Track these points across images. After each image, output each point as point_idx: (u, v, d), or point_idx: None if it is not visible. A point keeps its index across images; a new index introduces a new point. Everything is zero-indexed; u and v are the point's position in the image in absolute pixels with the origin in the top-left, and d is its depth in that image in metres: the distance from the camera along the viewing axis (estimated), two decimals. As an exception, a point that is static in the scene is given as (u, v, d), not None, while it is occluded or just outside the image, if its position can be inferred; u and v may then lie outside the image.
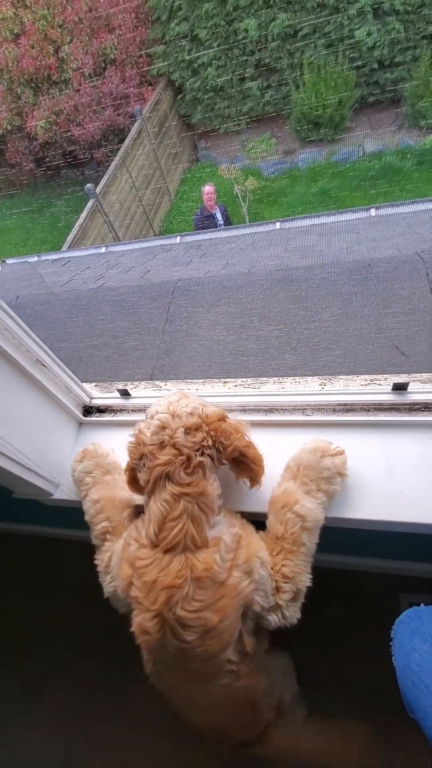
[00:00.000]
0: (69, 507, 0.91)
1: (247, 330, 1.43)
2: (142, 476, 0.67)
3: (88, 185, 5.33)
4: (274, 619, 0.68)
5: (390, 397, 0.76)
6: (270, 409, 0.82)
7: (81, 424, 0.93)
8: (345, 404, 0.77)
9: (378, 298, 1.42)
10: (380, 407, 0.76)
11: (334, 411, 0.78)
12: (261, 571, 0.66)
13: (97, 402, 0.93)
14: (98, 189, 5.57)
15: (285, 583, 0.67)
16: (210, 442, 0.65)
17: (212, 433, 0.66)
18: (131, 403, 0.91)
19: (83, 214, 5.41)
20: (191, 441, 0.64)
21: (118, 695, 1.19)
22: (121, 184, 6.05)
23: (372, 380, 0.81)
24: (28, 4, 6.74)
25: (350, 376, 0.84)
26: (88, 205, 5.51)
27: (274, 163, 7.04)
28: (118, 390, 0.92)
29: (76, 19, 6.65)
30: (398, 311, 1.37)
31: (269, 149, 7.03)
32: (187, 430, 0.64)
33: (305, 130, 7.05)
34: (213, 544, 0.64)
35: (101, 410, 0.93)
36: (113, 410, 0.92)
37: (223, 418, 0.68)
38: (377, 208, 2.73)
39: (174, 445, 0.64)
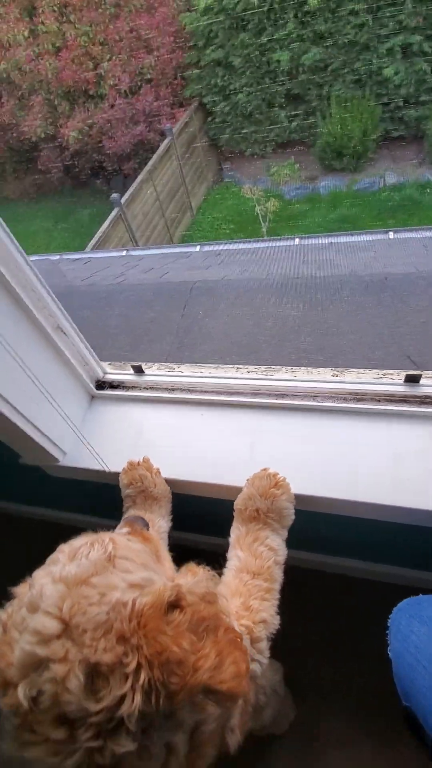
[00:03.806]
0: (72, 480, 0.92)
1: (261, 329, 1.45)
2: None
3: (114, 194, 5.49)
4: (258, 668, 0.59)
5: (401, 389, 0.76)
6: (281, 394, 0.82)
7: (93, 397, 0.94)
8: (356, 393, 0.78)
9: (392, 309, 1.44)
10: (391, 398, 0.76)
11: (345, 399, 0.78)
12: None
13: (110, 377, 0.94)
14: (123, 199, 5.73)
15: (263, 630, 0.58)
16: (143, 692, 0.33)
17: (148, 667, 0.34)
18: (144, 380, 0.92)
19: (106, 222, 5.55)
20: (99, 707, 0.32)
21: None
22: (146, 196, 6.22)
23: (384, 374, 0.82)
24: (72, 20, 7.08)
25: (362, 370, 0.84)
26: (112, 213, 5.66)
27: (295, 187, 7.21)
28: (132, 366, 0.93)
29: (117, 37, 6.97)
30: (411, 323, 1.38)
31: (292, 174, 7.23)
32: (95, 674, 0.33)
33: (329, 159, 7.24)
34: None
35: (114, 386, 0.94)
36: (126, 386, 0.93)
37: (175, 602, 0.38)
38: (395, 231, 2.77)
39: (63, 717, 0.32)
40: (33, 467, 0.91)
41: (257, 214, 6.33)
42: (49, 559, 0.40)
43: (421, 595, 0.62)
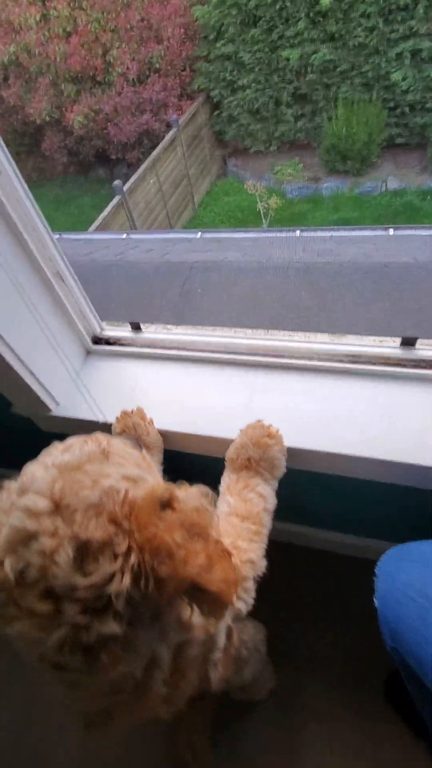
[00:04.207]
0: (64, 436, 0.91)
1: (259, 308, 1.46)
2: None
3: (117, 181, 5.46)
4: (243, 607, 0.60)
5: (397, 352, 0.77)
6: (278, 354, 0.83)
7: (89, 352, 0.93)
8: (353, 355, 0.79)
9: (389, 294, 1.45)
10: (387, 361, 0.77)
11: (341, 361, 0.79)
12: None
13: (107, 334, 0.94)
14: (126, 187, 5.71)
15: (250, 570, 0.59)
16: (132, 574, 0.33)
17: (139, 552, 0.34)
18: (142, 337, 0.92)
19: (108, 208, 5.53)
20: (88, 583, 0.32)
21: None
22: (149, 186, 6.20)
23: (381, 341, 0.82)
24: (84, 7, 7.03)
25: (360, 336, 0.85)
26: (114, 200, 5.63)
27: (298, 186, 7.23)
28: (131, 323, 0.93)
29: (128, 26, 6.93)
30: (407, 308, 1.39)
31: (296, 173, 7.24)
32: (84, 551, 0.33)
33: (333, 161, 7.27)
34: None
35: (110, 342, 0.94)
36: (123, 343, 0.93)
37: (167, 502, 0.38)
38: (396, 228, 2.79)
39: (50, 591, 0.32)
40: (23, 425, 0.90)
41: (259, 210, 6.34)
42: (41, 454, 0.40)
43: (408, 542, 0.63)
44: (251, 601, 0.59)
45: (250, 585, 0.58)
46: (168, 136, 6.64)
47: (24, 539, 0.32)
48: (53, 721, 1.08)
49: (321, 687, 1.02)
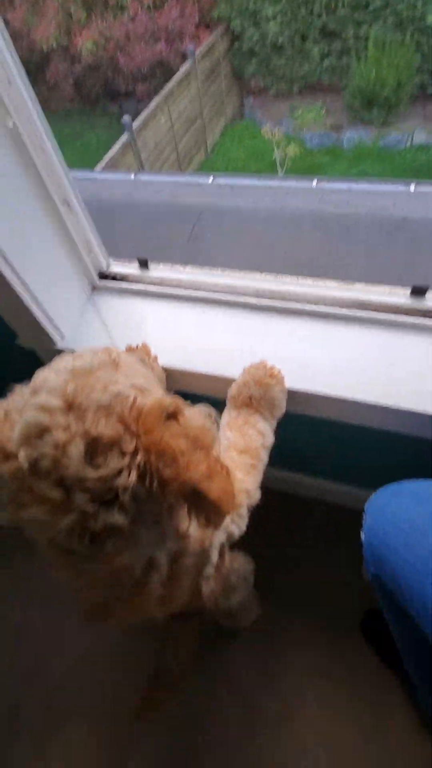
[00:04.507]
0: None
1: (269, 256, 1.42)
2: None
3: (126, 116, 5.15)
4: (236, 531, 0.64)
5: (406, 301, 0.76)
6: (286, 299, 0.82)
7: (94, 288, 0.92)
8: (361, 302, 0.78)
9: (405, 249, 1.41)
10: (395, 309, 0.76)
11: (350, 307, 0.78)
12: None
13: (114, 270, 0.93)
14: (135, 124, 5.39)
15: (245, 498, 0.62)
16: (138, 472, 0.35)
17: (145, 452, 0.35)
18: (149, 275, 0.91)
19: (115, 147, 5.25)
20: (97, 475, 0.34)
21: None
22: (160, 123, 5.85)
23: (391, 290, 0.81)
24: None
25: (370, 285, 0.84)
26: (122, 138, 5.34)
27: (319, 135, 6.82)
28: (138, 260, 0.91)
29: None
30: (423, 263, 1.36)
31: (317, 120, 6.81)
32: (94, 447, 0.34)
33: (357, 107, 6.80)
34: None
35: (117, 278, 0.92)
36: (129, 280, 0.92)
37: (173, 414, 0.39)
38: (418, 184, 2.67)
39: (61, 481, 0.34)
40: (27, 358, 0.90)
41: (275, 159, 6.02)
42: (51, 361, 0.41)
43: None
44: (244, 527, 0.62)
45: (244, 512, 0.61)
46: (183, 69, 6.17)
47: (38, 433, 0.34)
48: (52, 629, 1.17)
49: (300, 620, 1.10)
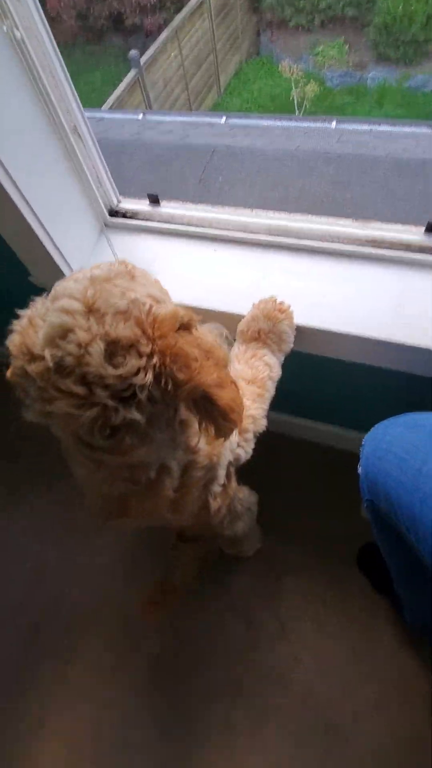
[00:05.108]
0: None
1: (284, 200, 1.38)
2: (30, 412, 0.40)
3: (133, 51, 4.81)
4: (243, 454, 0.67)
5: (420, 238, 0.75)
6: (298, 236, 0.81)
7: (105, 225, 0.92)
8: (374, 239, 0.77)
9: (425, 191, 1.36)
10: (408, 247, 0.75)
11: (362, 245, 0.78)
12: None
13: (124, 206, 0.91)
14: (143, 60, 5.04)
15: (251, 424, 0.65)
16: (154, 374, 0.37)
17: (160, 355, 0.38)
18: (160, 212, 0.90)
19: (122, 85, 4.95)
20: (116, 373, 0.36)
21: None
22: (169, 59, 5.46)
23: (406, 228, 0.80)
24: None
25: (384, 223, 0.82)
26: (129, 75, 5.01)
27: (341, 73, 6.33)
28: (149, 196, 0.90)
29: None
30: (441, 210, 1.32)
31: (339, 57, 6.30)
32: (114, 348, 0.36)
33: (383, 44, 6.24)
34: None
35: (127, 216, 0.91)
36: (140, 217, 0.91)
37: (187, 325, 0.41)
38: (443, 126, 2.51)
39: (84, 378, 0.36)
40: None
41: (293, 99, 5.64)
42: (70, 274, 0.42)
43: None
44: (250, 452, 0.65)
45: (251, 437, 0.65)
46: (194, 0, 5.68)
47: (62, 334, 0.36)
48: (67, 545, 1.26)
49: (300, 551, 1.18)
